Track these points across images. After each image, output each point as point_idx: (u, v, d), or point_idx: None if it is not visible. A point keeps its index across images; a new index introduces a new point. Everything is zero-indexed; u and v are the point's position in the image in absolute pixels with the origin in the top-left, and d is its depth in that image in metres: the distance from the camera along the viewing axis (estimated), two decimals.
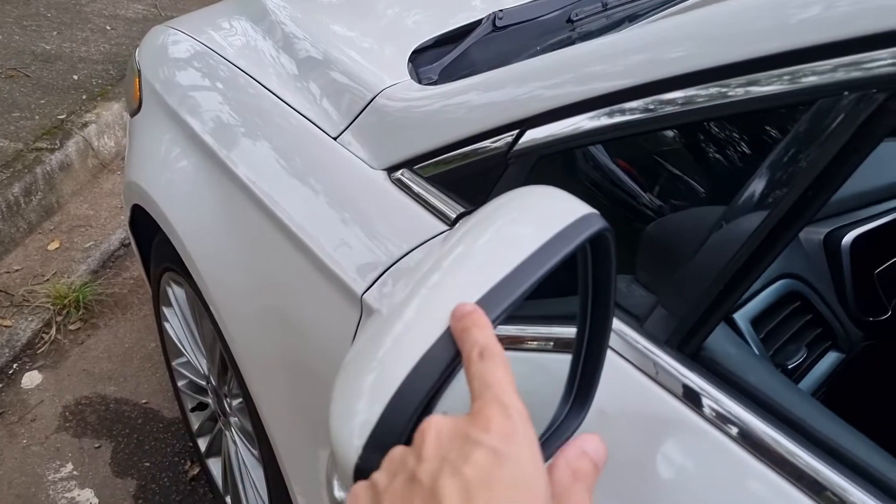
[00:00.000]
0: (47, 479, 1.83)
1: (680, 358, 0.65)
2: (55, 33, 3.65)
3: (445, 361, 0.43)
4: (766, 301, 0.82)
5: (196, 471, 1.87)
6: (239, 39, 1.44)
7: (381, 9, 1.39)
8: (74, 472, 1.85)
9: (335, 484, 0.92)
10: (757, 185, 0.59)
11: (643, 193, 0.74)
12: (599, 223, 0.51)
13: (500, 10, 1.24)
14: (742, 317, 0.79)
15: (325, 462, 1.04)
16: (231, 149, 1.21)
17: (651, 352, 0.66)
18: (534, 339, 0.68)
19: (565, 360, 0.58)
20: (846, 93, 0.54)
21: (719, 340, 0.67)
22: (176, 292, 1.62)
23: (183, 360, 1.75)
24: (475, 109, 0.83)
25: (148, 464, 1.89)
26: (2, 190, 2.55)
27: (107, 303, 2.36)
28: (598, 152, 0.75)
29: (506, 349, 0.41)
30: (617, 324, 0.69)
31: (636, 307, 0.69)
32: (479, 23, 1.22)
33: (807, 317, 0.85)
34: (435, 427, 0.38)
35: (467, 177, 0.84)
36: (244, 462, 1.54)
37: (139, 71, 1.59)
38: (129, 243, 2.54)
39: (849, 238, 0.88)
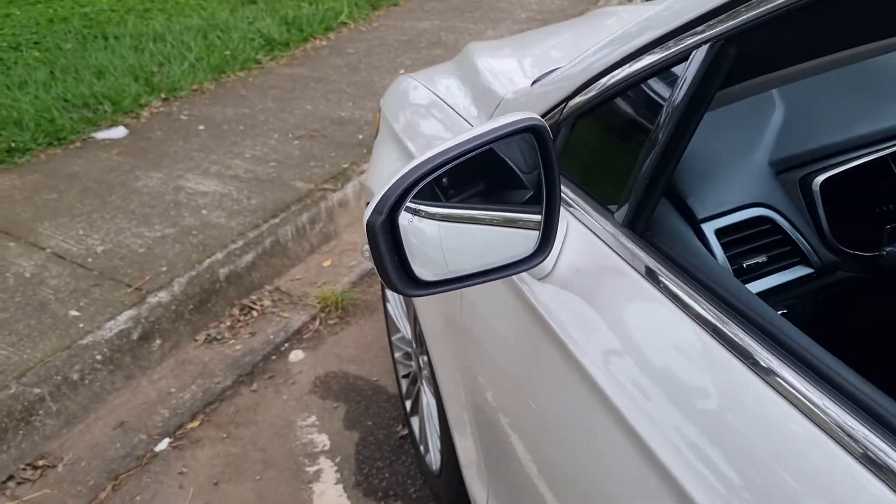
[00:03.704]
0: (297, 425, 2.46)
1: (630, 234, 1.01)
2: (350, 104, 4.60)
3: (417, 174, 0.88)
4: (735, 219, 1.10)
5: (405, 432, 2.38)
6: (452, 84, 1.99)
7: (545, 53, 1.87)
8: (316, 423, 2.46)
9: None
10: (667, 112, 0.96)
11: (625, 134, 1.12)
12: (536, 121, 0.94)
13: None
14: (709, 227, 1.10)
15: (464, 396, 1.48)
16: None
17: (612, 230, 1.03)
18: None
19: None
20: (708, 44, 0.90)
21: (668, 230, 1.02)
22: None
23: (399, 335, 2.30)
24: (543, 95, 1.27)
25: (370, 423, 2.44)
26: (294, 218, 3.38)
27: (359, 306, 3.02)
28: (606, 110, 1.14)
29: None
30: (596, 215, 1.07)
31: (611, 204, 1.06)
32: None
33: (776, 237, 1.13)
34: None
35: None
36: (429, 410, 2.02)
37: (380, 108, 2.21)
38: None
39: (819, 179, 1.14)
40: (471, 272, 0.96)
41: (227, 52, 5.37)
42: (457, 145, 0.89)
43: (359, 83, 4.96)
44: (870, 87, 1.27)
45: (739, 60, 0.88)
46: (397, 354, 2.34)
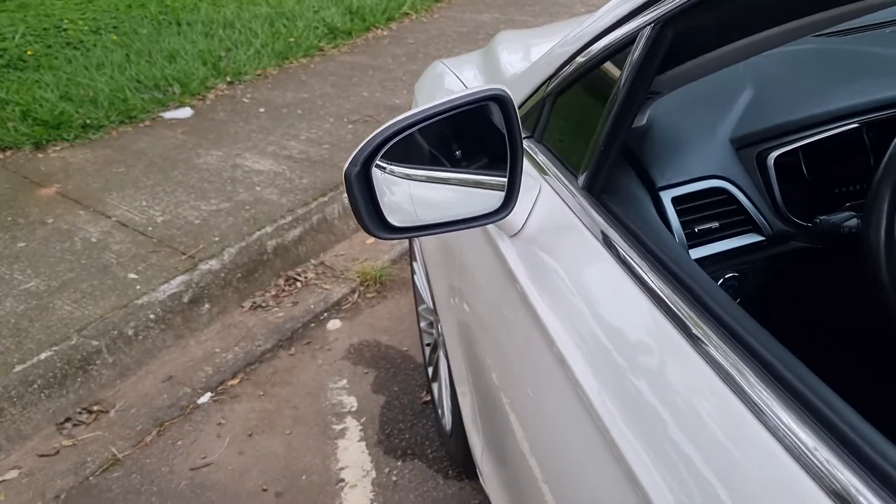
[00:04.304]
0: (328, 387, 2.64)
1: (587, 196, 1.14)
2: (405, 91, 4.77)
3: (390, 131, 1.03)
4: (692, 189, 1.21)
5: (427, 398, 2.54)
6: (476, 71, 2.13)
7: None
8: (346, 385, 2.64)
9: None
10: (618, 87, 1.08)
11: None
12: (500, 91, 1.08)
13: None
14: (666, 195, 1.21)
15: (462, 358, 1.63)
16: None
17: (574, 193, 1.16)
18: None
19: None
20: (650, 26, 1.03)
21: (626, 195, 1.15)
22: (417, 248, 2.33)
23: (423, 305, 2.45)
24: (531, 76, 1.40)
25: (396, 389, 2.60)
26: (342, 198, 3.57)
27: (396, 283, 3.19)
28: (577, 88, 1.27)
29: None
30: (564, 180, 1.20)
31: (577, 170, 1.19)
32: None
33: (729, 207, 1.23)
34: None
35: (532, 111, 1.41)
36: (445, 374, 2.16)
37: (414, 90, 2.37)
38: None
39: (773, 155, 1.24)
40: (438, 221, 1.10)
41: (292, 40, 5.61)
42: (427, 108, 1.04)
43: (415, 72, 5.12)
44: (831, 70, 1.37)
45: (678, 41, 1.00)
46: (422, 324, 2.49)
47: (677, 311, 0.86)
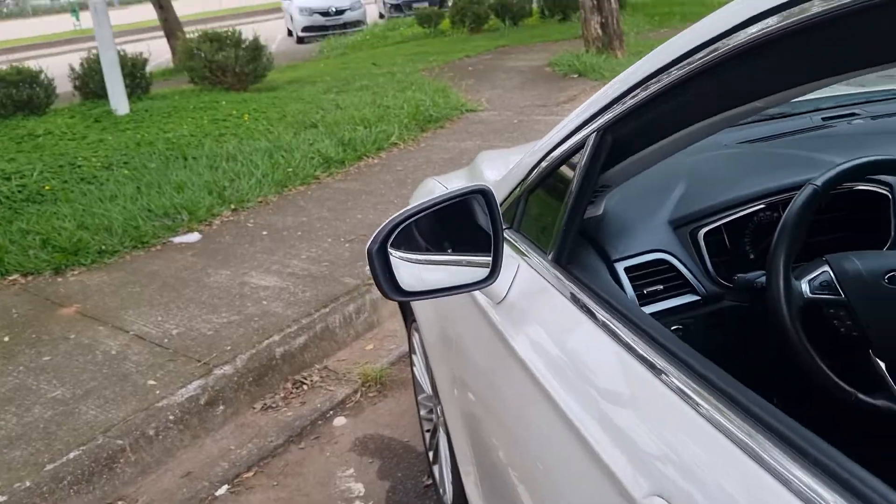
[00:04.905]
0: (337, 476, 2.87)
1: (556, 267, 1.46)
2: (396, 212, 5.18)
3: (399, 218, 1.37)
4: (640, 260, 1.53)
5: (429, 482, 2.77)
6: (462, 183, 2.51)
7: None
8: (353, 473, 2.87)
9: None
10: (574, 181, 1.43)
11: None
12: (483, 186, 1.43)
13: None
14: (620, 265, 1.53)
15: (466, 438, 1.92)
16: None
17: (545, 265, 1.49)
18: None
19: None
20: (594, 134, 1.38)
21: (589, 266, 1.48)
22: (416, 341, 2.64)
23: (423, 394, 2.73)
24: (508, 180, 1.76)
25: (400, 474, 2.84)
26: (342, 308, 3.89)
27: (396, 382, 3.46)
28: (545, 185, 1.62)
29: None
30: (537, 256, 1.53)
31: (546, 247, 1.52)
32: None
33: (670, 273, 1.55)
34: None
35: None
36: (444, 450, 2.42)
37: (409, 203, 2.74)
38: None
39: (702, 231, 1.58)
40: (440, 287, 1.43)
41: (290, 169, 6.08)
42: (427, 202, 1.39)
43: (405, 195, 5.55)
44: (746, 166, 1.74)
45: (616, 144, 1.36)
46: (422, 412, 2.76)
47: (639, 350, 1.12)
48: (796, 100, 1.65)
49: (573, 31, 12.50)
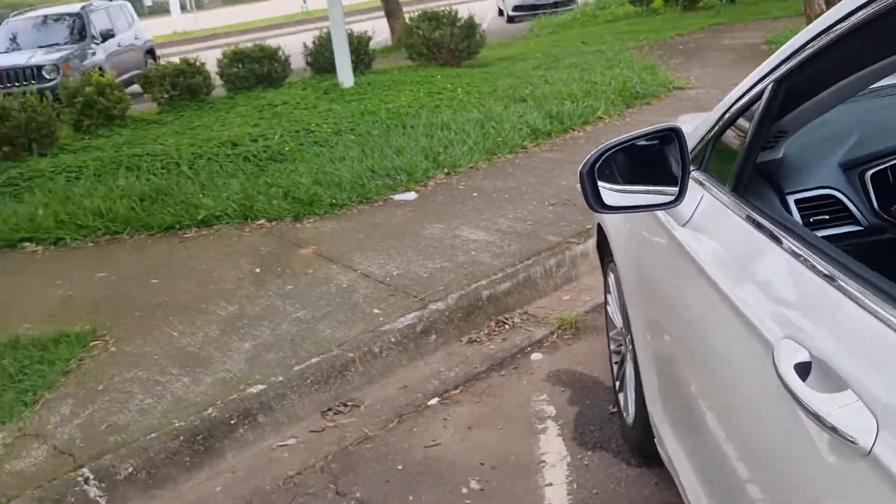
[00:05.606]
0: (532, 399, 3.27)
1: (734, 194, 1.74)
2: None
3: (605, 148, 1.72)
4: (810, 195, 1.76)
5: (613, 410, 3.10)
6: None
7: None
8: (546, 398, 3.26)
9: None
10: (750, 128, 1.70)
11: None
12: (674, 125, 1.74)
13: None
14: (791, 198, 1.77)
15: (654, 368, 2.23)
16: None
17: (725, 193, 1.77)
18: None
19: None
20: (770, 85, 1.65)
21: (763, 196, 1.75)
22: (612, 280, 2.96)
23: (614, 330, 3.05)
24: (700, 129, 2.05)
25: (588, 402, 3.19)
26: (544, 262, 4.28)
27: (589, 328, 3.80)
28: (728, 133, 1.89)
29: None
30: (720, 187, 1.82)
31: (726, 180, 1.80)
32: None
33: (836, 207, 1.77)
34: None
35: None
36: (629, 378, 2.74)
37: None
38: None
39: (869, 173, 1.77)
40: (635, 204, 1.76)
41: (499, 139, 6.53)
42: (627, 136, 1.73)
43: None
44: None
45: (790, 93, 1.62)
46: (612, 346, 3.09)
47: (812, 262, 1.31)
48: None
49: (795, 8, 12.02)
